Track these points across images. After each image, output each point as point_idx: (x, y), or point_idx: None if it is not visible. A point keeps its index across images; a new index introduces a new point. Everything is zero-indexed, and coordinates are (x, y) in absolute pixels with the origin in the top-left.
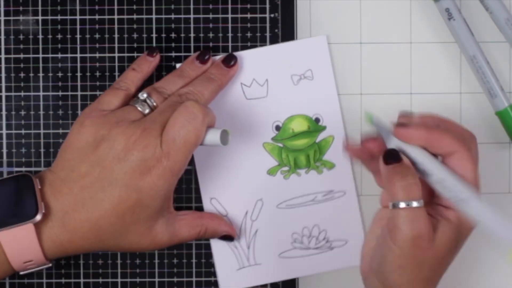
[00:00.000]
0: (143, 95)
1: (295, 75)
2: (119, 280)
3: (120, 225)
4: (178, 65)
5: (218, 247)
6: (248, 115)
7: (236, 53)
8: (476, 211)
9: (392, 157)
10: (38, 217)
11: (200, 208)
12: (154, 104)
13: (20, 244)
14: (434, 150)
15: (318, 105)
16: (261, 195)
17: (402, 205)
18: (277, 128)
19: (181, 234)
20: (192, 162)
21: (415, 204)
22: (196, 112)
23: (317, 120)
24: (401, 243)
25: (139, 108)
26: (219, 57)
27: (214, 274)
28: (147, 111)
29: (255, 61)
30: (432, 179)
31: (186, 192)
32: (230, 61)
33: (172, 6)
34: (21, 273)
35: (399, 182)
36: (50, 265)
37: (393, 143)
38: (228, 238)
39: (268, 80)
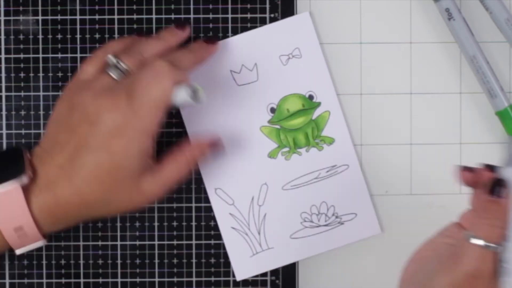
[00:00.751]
0: (111, 60)
1: (283, 55)
2: (119, 280)
3: (103, 189)
4: None
5: (229, 237)
6: (242, 101)
7: (222, 41)
8: None
9: (499, 187)
10: (25, 179)
11: (199, 199)
12: (125, 67)
13: (8, 208)
14: None
15: (310, 82)
16: (265, 179)
17: (478, 242)
18: (272, 110)
19: (172, 178)
20: None
21: (490, 246)
22: (162, 69)
23: (310, 97)
24: (458, 275)
25: (110, 74)
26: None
27: (214, 274)
28: (118, 75)
29: (241, 46)
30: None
31: (186, 186)
32: (211, 40)
33: (172, 6)
34: (17, 252)
35: (488, 220)
36: (45, 242)
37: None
38: (217, 151)
39: (257, 64)
